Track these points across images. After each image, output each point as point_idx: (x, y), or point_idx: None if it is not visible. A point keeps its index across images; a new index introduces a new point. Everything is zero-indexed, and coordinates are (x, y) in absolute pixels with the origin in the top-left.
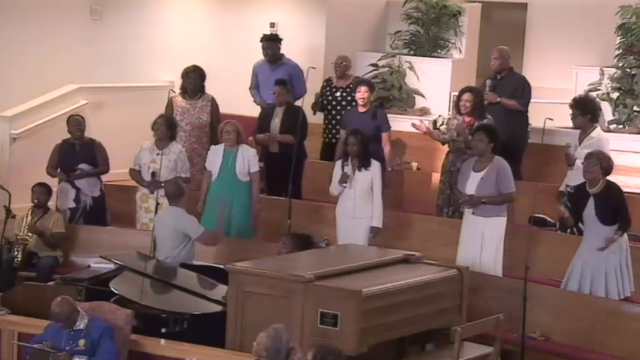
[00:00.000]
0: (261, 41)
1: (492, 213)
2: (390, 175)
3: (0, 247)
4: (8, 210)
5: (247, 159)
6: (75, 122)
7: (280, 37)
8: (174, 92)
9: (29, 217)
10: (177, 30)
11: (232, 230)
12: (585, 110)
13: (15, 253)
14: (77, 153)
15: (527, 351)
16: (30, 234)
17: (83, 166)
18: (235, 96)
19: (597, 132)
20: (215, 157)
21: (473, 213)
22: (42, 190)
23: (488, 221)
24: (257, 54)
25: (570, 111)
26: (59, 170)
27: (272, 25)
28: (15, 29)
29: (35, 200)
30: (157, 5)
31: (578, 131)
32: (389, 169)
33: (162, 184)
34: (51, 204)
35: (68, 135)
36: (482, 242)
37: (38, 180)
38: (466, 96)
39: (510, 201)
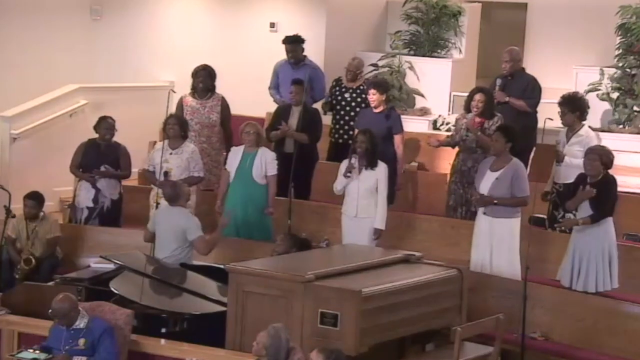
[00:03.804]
0: (284, 43)
1: (503, 214)
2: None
3: (0, 247)
4: (8, 210)
5: (265, 162)
6: (108, 125)
7: (302, 38)
8: (174, 92)
9: (26, 228)
10: (178, 30)
11: (249, 233)
12: (574, 107)
13: (17, 268)
14: (102, 154)
15: (527, 351)
16: (32, 248)
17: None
18: (234, 96)
19: (585, 129)
20: (234, 157)
21: (484, 213)
22: (33, 204)
23: (499, 222)
24: (257, 54)
25: (559, 109)
26: (81, 169)
27: (272, 25)
28: (15, 29)
29: (27, 213)
30: (158, 5)
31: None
32: (402, 171)
33: None
34: (49, 204)
35: (67, 135)
36: (493, 243)
37: (38, 181)
38: (478, 96)
39: (522, 204)
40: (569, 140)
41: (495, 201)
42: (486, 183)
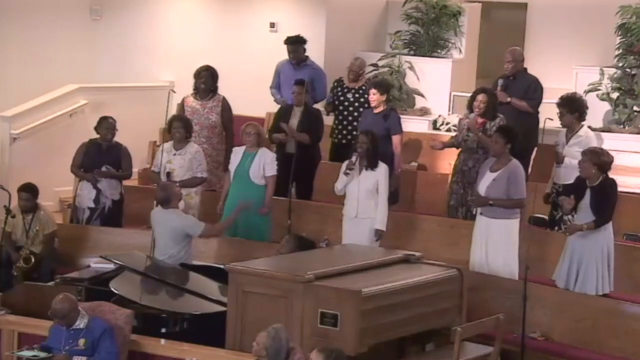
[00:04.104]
0: (285, 43)
1: (500, 215)
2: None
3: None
4: (8, 210)
5: (264, 162)
6: (109, 125)
7: (304, 38)
8: (174, 92)
9: (22, 221)
10: (177, 30)
11: (247, 233)
12: (572, 108)
13: (16, 266)
14: (103, 154)
15: (527, 351)
16: (30, 245)
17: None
18: (234, 96)
19: (585, 130)
20: (235, 158)
21: (481, 213)
22: (27, 197)
23: (495, 222)
24: (257, 54)
25: (557, 110)
26: (82, 170)
27: (272, 25)
28: (15, 29)
29: (23, 206)
30: (157, 5)
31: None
32: (397, 172)
33: (177, 184)
34: (50, 204)
35: (67, 135)
36: (489, 243)
37: (38, 181)
38: (481, 97)
39: (518, 207)
40: (569, 141)
41: (490, 202)
42: (484, 183)
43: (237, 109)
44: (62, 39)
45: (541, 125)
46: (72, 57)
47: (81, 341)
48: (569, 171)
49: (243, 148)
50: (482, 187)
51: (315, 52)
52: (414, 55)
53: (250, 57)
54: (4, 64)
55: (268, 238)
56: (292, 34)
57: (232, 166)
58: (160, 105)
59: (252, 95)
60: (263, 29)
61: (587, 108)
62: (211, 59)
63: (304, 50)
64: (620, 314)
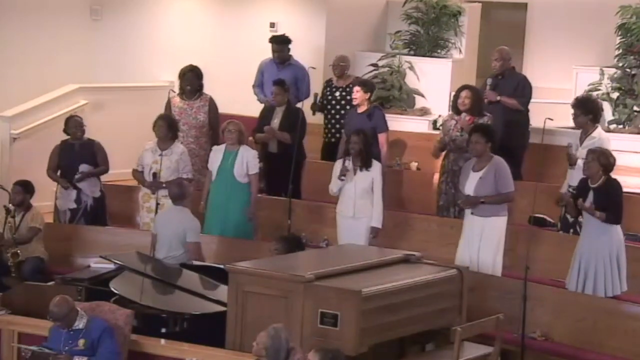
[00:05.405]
0: (270, 42)
1: (491, 213)
2: (390, 176)
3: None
4: (8, 210)
5: (247, 160)
6: (76, 123)
7: (290, 38)
8: (174, 92)
9: (13, 219)
10: (177, 30)
11: (231, 231)
12: (586, 110)
13: (10, 263)
14: (77, 153)
15: (527, 351)
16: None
17: (83, 167)
18: (235, 96)
19: (598, 132)
20: (216, 156)
21: (472, 213)
22: (18, 190)
23: (487, 221)
24: (257, 54)
25: (572, 110)
26: (59, 172)
27: (272, 25)
28: (15, 29)
29: (10, 204)
30: (157, 5)
31: (578, 131)
32: (384, 170)
33: (163, 185)
34: (48, 204)
35: (67, 136)
36: (481, 241)
37: (38, 181)
38: (464, 93)
39: (508, 201)
40: (582, 143)
41: (482, 200)
42: (471, 184)
43: (237, 109)
44: (62, 39)
45: (540, 125)
46: (72, 57)
47: (81, 342)
48: (582, 173)
49: (223, 147)
50: (469, 187)
51: (315, 52)
52: (414, 55)
53: (250, 57)
54: (4, 64)
55: (252, 237)
56: (292, 33)
57: (213, 165)
58: (160, 105)
59: (251, 95)
60: (263, 29)
61: (602, 110)
62: (211, 59)
63: (289, 49)
64: (620, 314)
